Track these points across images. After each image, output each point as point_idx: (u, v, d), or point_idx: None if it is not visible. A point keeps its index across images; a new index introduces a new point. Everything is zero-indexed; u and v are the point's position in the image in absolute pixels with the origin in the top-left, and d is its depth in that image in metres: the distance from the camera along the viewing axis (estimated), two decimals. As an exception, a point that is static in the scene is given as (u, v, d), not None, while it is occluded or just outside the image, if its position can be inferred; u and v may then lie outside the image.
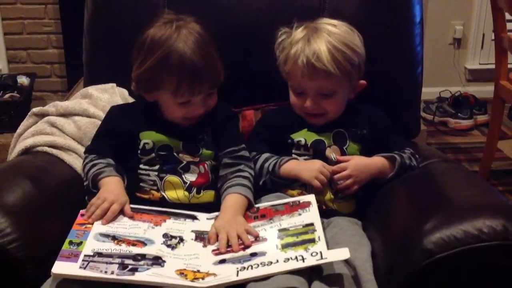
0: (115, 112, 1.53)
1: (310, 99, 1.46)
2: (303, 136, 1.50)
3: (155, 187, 1.44)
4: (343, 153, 1.49)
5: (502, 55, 2.65)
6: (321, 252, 1.21)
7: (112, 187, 1.39)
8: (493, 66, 2.76)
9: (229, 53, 1.47)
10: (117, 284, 1.19)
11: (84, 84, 1.77)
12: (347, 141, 1.50)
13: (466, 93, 3.62)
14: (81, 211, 1.35)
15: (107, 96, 1.65)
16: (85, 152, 1.51)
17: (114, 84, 1.68)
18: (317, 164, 1.44)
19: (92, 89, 1.68)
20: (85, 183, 1.45)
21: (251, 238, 1.30)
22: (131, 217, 1.35)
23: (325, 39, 1.43)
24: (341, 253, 1.20)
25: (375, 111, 1.56)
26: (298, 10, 1.59)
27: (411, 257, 1.17)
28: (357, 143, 1.51)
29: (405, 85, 1.67)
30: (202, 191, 1.46)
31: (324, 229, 1.33)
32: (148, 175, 1.45)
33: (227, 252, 1.27)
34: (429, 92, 3.40)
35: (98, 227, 1.30)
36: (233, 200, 1.40)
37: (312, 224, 1.32)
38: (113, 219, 1.33)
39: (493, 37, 2.72)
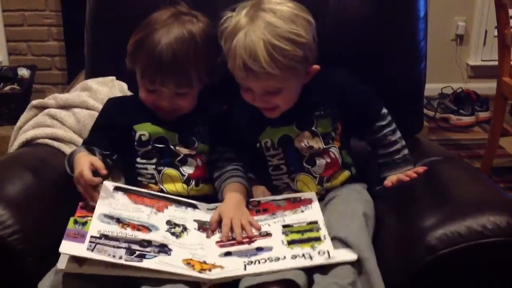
0: (111, 104, 1.52)
1: (258, 98, 1.37)
2: (268, 136, 1.44)
3: (153, 181, 1.44)
4: (314, 135, 1.43)
5: (505, 51, 2.64)
6: (328, 251, 1.21)
7: (76, 164, 1.34)
8: (495, 63, 2.76)
9: None
10: (117, 281, 1.18)
11: (85, 76, 1.76)
12: (314, 121, 1.43)
13: (468, 89, 3.62)
14: (80, 203, 1.34)
15: (106, 89, 1.65)
16: (82, 144, 1.49)
17: (114, 78, 1.67)
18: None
19: (92, 82, 1.68)
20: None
21: (255, 232, 1.30)
22: (106, 176, 1.33)
23: (261, 34, 1.29)
24: (349, 255, 1.20)
25: (339, 76, 1.46)
26: (302, 3, 1.58)
27: (415, 253, 1.17)
28: (326, 118, 1.43)
29: (409, 80, 1.65)
30: (200, 183, 1.45)
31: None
32: (146, 168, 1.44)
33: (231, 244, 1.27)
34: (430, 88, 3.37)
35: (102, 207, 1.28)
36: (238, 188, 1.40)
37: (316, 222, 1.32)
38: (116, 200, 1.32)
39: (495, 34, 2.72)
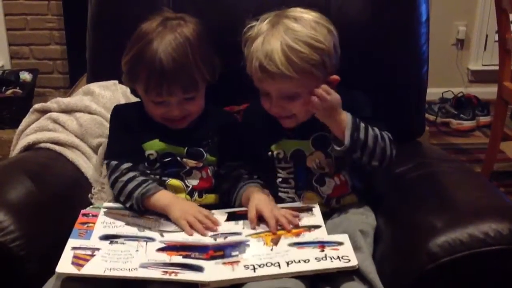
0: (120, 114, 1.49)
1: (274, 103, 1.36)
2: (281, 148, 1.43)
3: None
4: (328, 156, 1.41)
5: (506, 56, 2.64)
6: (331, 257, 1.21)
7: (179, 202, 1.38)
8: (495, 68, 2.76)
9: (229, 51, 1.44)
10: (120, 284, 1.19)
11: (87, 80, 1.76)
12: (330, 143, 1.39)
13: (469, 94, 3.62)
14: (82, 211, 1.35)
15: (109, 93, 1.65)
16: (105, 158, 1.48)
17: (116, 81, 1.66)
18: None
19: (94, 86, 1.68)
20: (121, 198, 1.40)
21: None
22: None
23: (280, 37, 1.31)
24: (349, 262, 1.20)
25: (356, 96, 1.43)
26: (302, 6, 1.58)
27: (416, 260, 1.16)
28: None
29: (411, 84, 1.65)
30: (204, 194, 1.45)
31: None
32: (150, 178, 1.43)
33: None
34: (431, 92, 3.31)
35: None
36: (260, 189, 1.42)
37: (319, 226, 1.32)
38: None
39: (496, 38, 2.72)
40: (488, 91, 3.55)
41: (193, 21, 1.42)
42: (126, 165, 1.42)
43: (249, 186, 1.42)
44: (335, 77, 1.37)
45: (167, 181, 1.43)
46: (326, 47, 1.33)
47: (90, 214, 1.35)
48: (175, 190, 1.43)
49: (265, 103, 1.39)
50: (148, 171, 1.43)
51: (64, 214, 1.33)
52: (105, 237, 1.28)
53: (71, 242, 1.24)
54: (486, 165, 2.83)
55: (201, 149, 1.45)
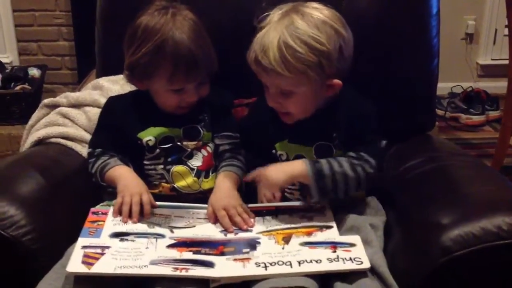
0: (112, 105, 1.51)
1: (271, 98, 1.35)
2: (284, 150, 1.42)
3: (164, 180, 1.44)
4: None
5: (516, 50, 2.62)
6: (343, 259, 1.20)
7: (128, 178, 1.39)
8: (505, 62, 2.74)
9: (229, 44, 1.46)
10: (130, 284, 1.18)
11: (96, 75, 1.77)
12: (333, 152, 1.39)
13: (478, 88, 3.60)
14: (92, 209, 1.35)
15: (117, 87, 1.65)
16: (89, 146, 1.50)
17: (125, 76, 1.67)
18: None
19: (103, 80, 1.68)
20: (93, 179, 1.45)
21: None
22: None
23: (280, 32, 1.27)
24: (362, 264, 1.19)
25: (361, 107, 1.41)
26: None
27: (429, 254, 1.16)
28: (341, 150, 1.40)
29: (421, 77, 1.64)
30: (211, 174, 1.46)
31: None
32: (155, 169, 1.44)
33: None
34: (440, 87, 3.29)
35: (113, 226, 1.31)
36: (228, 175, 1.43)
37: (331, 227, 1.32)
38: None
39: (505, 32, 2.70)
40: (497, 86, 3.54)
41: (187, 7, 1.43)
42: (99, 150, 1.46)
43: (222, 170, 1.44)
44: (337, 82, 1.34)
45: (172, 169, 1.43)
46: (327, 49, 1.27)
47: (100, 212, 1.34)
48: (182, 175, 1.44)
49: (266, 95, 1.39)
50: (149, 163, 1.44)
51: (75, 208, 1.34)
52: (115, 235, 1.27)
53: (81, 241, 1.23)
54: (495, 159, 2.82)
55: (197, 125, 1.46)
